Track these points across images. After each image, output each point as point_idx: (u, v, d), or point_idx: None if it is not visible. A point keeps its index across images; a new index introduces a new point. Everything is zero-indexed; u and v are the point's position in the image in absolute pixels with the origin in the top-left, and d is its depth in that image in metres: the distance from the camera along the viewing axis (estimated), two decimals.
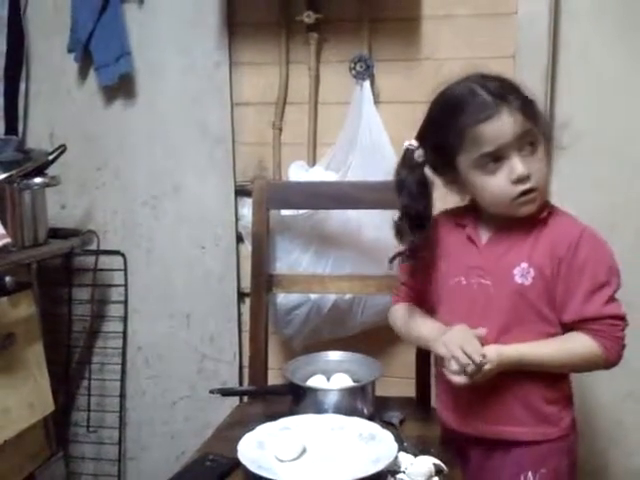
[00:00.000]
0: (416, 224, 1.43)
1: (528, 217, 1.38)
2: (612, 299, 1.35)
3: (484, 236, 1.43)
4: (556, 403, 1.40)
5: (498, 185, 1.34)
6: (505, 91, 1.33)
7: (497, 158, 1.33)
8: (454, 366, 1.32)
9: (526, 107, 1.33)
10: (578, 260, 1.34)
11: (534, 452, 1.39)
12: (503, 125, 1.31)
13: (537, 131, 1.34)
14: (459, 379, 1.32)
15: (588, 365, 1.38)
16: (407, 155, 1.45)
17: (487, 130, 1.31)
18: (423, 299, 1.54)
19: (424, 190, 1.43)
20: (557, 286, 1.35)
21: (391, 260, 1.51)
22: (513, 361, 1.33)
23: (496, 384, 1.36)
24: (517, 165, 1.32)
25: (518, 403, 1.38)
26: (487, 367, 1.30)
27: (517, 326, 1.36)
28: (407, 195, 1.43)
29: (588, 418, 1.91)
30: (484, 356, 1.29)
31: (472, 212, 1.46)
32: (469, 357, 1.29)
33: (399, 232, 1.46)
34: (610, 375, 1.41)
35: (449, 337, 1.35)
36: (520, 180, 1.32)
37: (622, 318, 1.35)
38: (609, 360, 1.36)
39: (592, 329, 1.34)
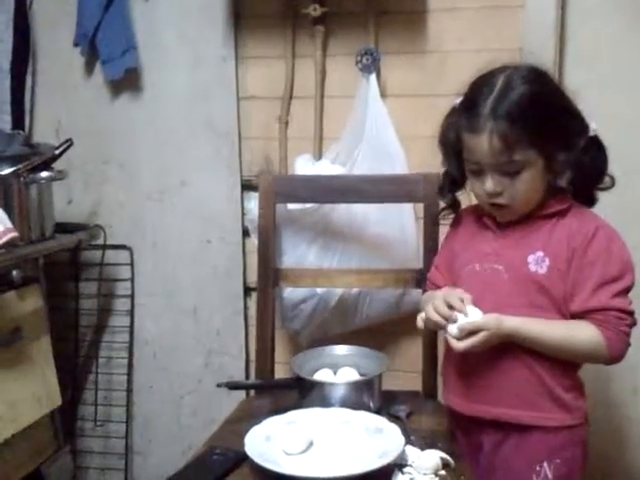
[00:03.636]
0: (452, 184, 1.51)
1: (546, 208, 1.40)
2: (621, 294, 1.35)
3: (502, 225, 1.44)
4: (572, 390, 1.40)
5: (476, 189, 1.41)
6: (505, 110, 1.31)
7: (478, 165, 1.37)
8: (453, 329, 1.34)
9: (517, 135, 1.30)
10: (591, 252, 1.35)
11: (548, 442, 1.39)
12: (481, 145, 1.33)
13: (524, 158, 1.32)
14: (459, 344, 1.34)
15: (589, 353, 1.37)
16: (451, 113, 1.47)
17: (470, 141, 1.36)
18: None
19: (460, 153, 1.44)
20: (569, 276, 1.36)
21: (439, 214, 1.62)
22: (512, 331, 1.34)
23: (507, 366, 1.38)
24: (487, 182, 1.36)
25: (532, 387, 1.38)
26: (484, 333, 1.31)
27: (531, 315, 1.36)
28: (445, 154, 1.48)
29: (596, 412, 1.89)
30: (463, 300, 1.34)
31: None
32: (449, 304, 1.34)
33: (440, 189, 1.53)
34: (619, 370, 1.40)
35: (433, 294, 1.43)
36: (490, 195, 1.37)
37: (629, 314, 1.35)
38: (612, 353, 1.35)
39: (597, 319, 1.34)
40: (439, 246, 1.72)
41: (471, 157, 1.37)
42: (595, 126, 1.39)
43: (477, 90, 1.37)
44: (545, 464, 1.39)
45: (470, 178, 1.42)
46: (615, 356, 1.36)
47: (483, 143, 1.32)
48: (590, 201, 1.44)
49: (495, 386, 1.40)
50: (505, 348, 1.36)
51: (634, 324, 1.36)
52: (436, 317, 1.37)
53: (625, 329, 1.34)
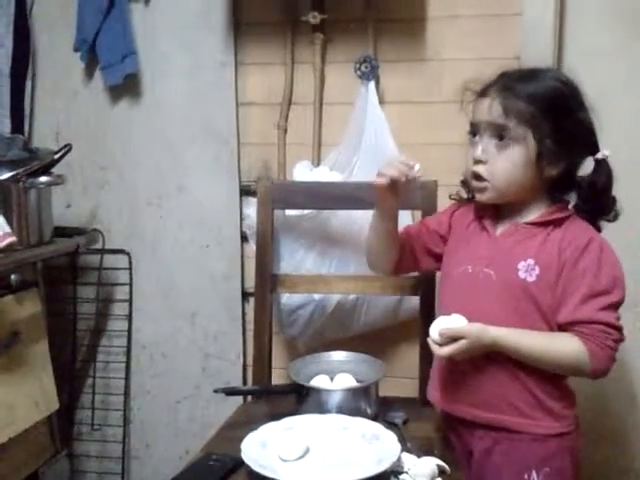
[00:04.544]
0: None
1: (544, 216, 1.41)
2: (609, 308, 1.34)
3: (500, 229, 1.45)
4: (560, 399, 1.41)
5: (468, 157, 1.44)
6: (511, 82, 1.38)
7: (475, 133, 1.41)
8: (435, 334, 1.35)
9: (519, 109, 1.35)
10: (581, 264, 1.35)
11: (537, 450, 1.39)
12: (482, 106, 1.40)
13: (516, 132, 1.35)
14: (440, 350, 1.35)
15: (571, 367, 1.37)
16: None
17: (477, 103, 1.42)
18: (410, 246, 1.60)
19: None
20: (557, 286, 1.36)
21: (452, 197, 1.62)
22: (493, 341, 1.35)
23: (494, 373, 1.39)
24: (477, 147, 1.40)
25: (518, 394, 1.39)
26: (465, 342, 1.33)
27: (518, 322, 1.37)
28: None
29: (592, 418, 1.90)
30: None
31: (493, 206, 1.47)
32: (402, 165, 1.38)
33: (464, 182, 1.53)
34: (618, 375, 1.40)
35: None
36: (475, 161, 1.40)
37: (616, 328, 1.34)
38: (595, 367, 1.34)
39: (582, 332, 1.34)
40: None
41: (472, 119, 1.42)
42: (608, 153, 1.40)
43: (506, 71, 1.43)
44: (534, 472, 1.39)
45: (468, 150, 1.44)
46: (598, 370, 1.35)
47: (484, 103, 1.38)
48: (594, 229, 1.43)
49: (482, 391, 1.41)
50: (492, 356, 1.37)
51: (621, 340, 1.35)
52: (393, 171, 1.39)
53: (610, 344, 1.33)
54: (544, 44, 1.90)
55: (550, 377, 1.39)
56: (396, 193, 1.42)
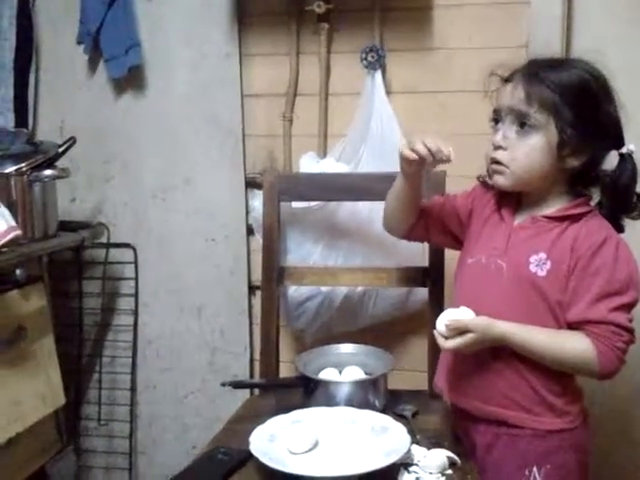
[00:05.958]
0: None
1: (562, 211, 1.38)
2: (622, 309, 1.32)
3: (518, 220, 1.43)
4: (564, 395, 1.39)
5: (489, 143, 1.41)
6: (537, 69, 1.36)
7: (497, 120, 1.40)
8: (441, 326, 1.34)
9: (543, 96, 1.33)
10: (596, 262, 1.32)
11: (538, 446, 1.38)
12: (506, 91, 1.38)
13: (538, 118, 1.33)
14: (445, 343, 1.34)
15: (578, 366, 1.35)
16: None
17: (501, 89, 1.41)
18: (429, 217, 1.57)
19: None
20: (569, 284, 1.34)
21: (479, 178, 1.55)
22: (500, 336, 1.33)
23: (497, 367, 1.38)
24: (498, 133, 1.38)
25: (520, 390, 1.37)
26: (471, 335, 1.31)
27: (525, 315, 1.35)
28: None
29: (599, 411, 1.89)
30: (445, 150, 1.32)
31: (514, 197, 1.46)
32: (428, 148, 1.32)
33: (488, 171, 1.48)
34: (627, 369, 1.38)
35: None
36: (494, 147, 1.38)
37: (627, 330, 1.32)
38: (603, 368, 1.32)
39: (592, 332, 1.32)
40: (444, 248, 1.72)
41: (495, 105, 1.40)
42: (633, 148, 1.37)
43: (536, 58, 1.41)
44: (535, 469, 1.38)
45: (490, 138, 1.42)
46: (606, 371, 1.33)
47: (508, 89, 1.37)
48: (617, 227, 1.40)
49: (483, 384, 1.40)
50: (496, 350, 1.36)
51: (632, 341, 1.33)
52: (423, 149, 1.33)
53: (620, 345, 1.31)
54: (552, 33, 1.89)
55: (553, 374, 1.37)
56: (421, 165, 1.38)
